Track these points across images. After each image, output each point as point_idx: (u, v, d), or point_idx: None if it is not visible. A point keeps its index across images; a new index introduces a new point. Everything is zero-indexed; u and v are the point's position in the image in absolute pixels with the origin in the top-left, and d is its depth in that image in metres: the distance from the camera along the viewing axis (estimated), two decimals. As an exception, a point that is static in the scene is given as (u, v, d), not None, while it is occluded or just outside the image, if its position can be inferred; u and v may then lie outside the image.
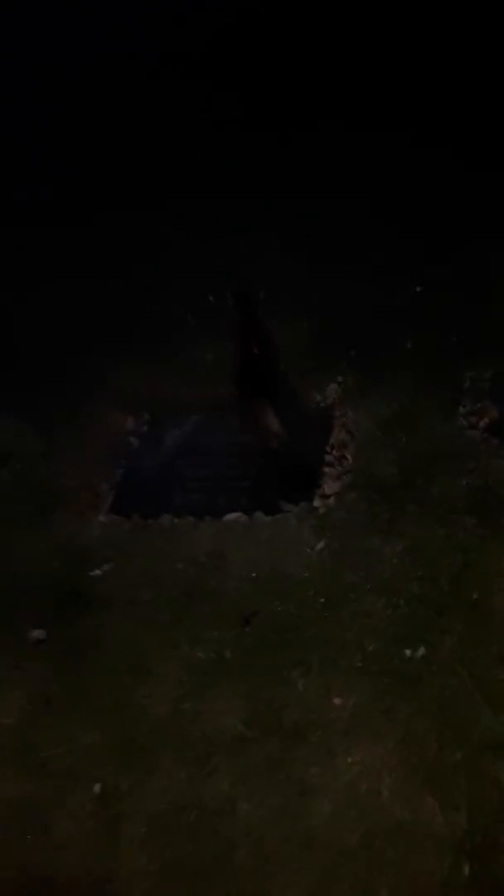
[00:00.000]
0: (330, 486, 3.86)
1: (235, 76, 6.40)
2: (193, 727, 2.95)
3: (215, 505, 3.97)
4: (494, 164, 5.17)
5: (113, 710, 3.07)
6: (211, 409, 4.49)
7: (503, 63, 5.71)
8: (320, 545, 3.51)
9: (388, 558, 3.34)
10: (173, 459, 4.32)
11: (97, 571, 3.66)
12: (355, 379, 4.31)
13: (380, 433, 3.99)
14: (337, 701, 2.91)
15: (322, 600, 3.27)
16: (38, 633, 3.40)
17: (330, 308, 4.69)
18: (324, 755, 2.76)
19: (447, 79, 5.80)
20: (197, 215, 5.61)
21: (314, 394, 4.34)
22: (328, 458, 4.06)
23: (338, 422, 4.20)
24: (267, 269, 4.68)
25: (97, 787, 2.82)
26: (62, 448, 4.34)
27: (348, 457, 4.01)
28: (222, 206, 5.56)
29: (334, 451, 4.09)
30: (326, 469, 3.99)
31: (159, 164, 6.25)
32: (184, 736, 2.93)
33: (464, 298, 4.53)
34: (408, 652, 2.98)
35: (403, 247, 4.92)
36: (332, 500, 3.78)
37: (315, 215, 5.29)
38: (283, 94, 6.16)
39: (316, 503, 3.80)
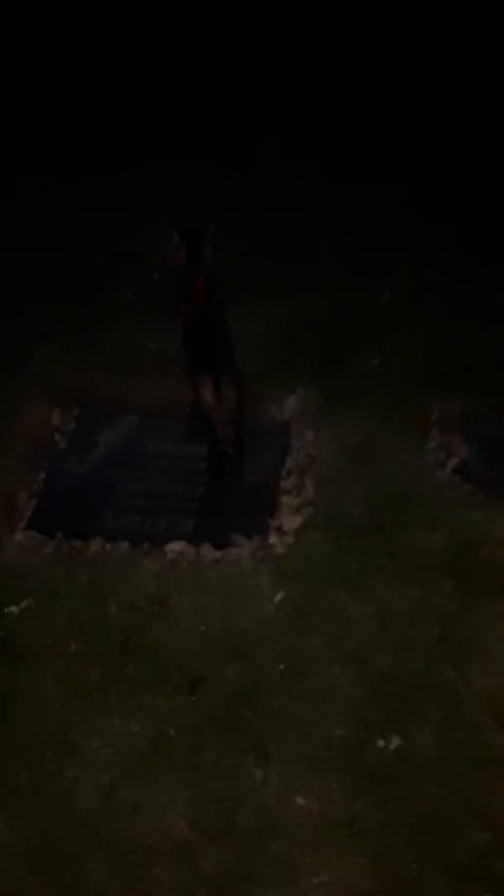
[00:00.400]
0: (288, 521, 3.37)
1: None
2: (130, 826, 2.43)
3: (154, 529, 3.42)
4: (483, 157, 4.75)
5: (29, 797, 2.52)
6: (152, 409, 3.91)
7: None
8: (279, 596, 3.02)
9: (357, 621, 2.89)
10: (106, 467, 3.72)
11: (13, 608, 3.05)
12: (317, 395, 3.79)
13: (344, 463, 3.52)
14: (300, 801, 2.46)
15: (282, 667, 2.80)
16: None
17: (292, 310, 4.13)
18: (286, 872, 2.32)
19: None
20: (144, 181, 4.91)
21: (270, 406, 3.84)
22: (284, 483, 3.59)
23: (296, 442, 3.74)
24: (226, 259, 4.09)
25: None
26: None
27: (308, 485, 3.54)
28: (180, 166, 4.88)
29: (292, 476, 3.63)
30: (283, 498, 3.53)
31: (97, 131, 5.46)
32: (118, 836, 2.41)
33: (438, 313, 4.11)
34: (380, 742, 2.57)
35: (375, 254, 4.41)
36: (290, 538, 3.30)
37: (280, 209, 4.71)
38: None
39: (272, 539, 3.31)
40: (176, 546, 3.31)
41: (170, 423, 3.80)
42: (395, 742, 2.57)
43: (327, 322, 4.06)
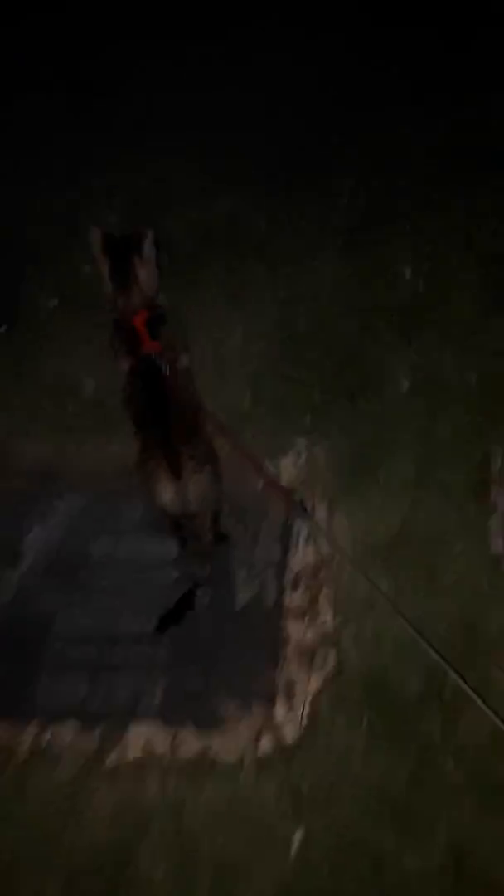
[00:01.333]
0: (301, 680, 2.18)
1: None
2: None
3: (110, 698, 2.20)
4: None
5: None
6: (96, 482, 2.62)
7: None
8: (298, 836, 1.92)
9: (420, 880, 1.81)
10: (38, 590, 2.41)
11: None
12: (326, 447, 2.48)
13: (375, 565, 2.28)
14: None
15: None
16: None
17: (278, 311, 2.71)
18: None
19: None
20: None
21: (255, 468, 2.54)
22: (290, 598, 2.36)
23: (301, 527, 2.44)
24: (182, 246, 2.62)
25: None
26: None
27: (325, 605, 2.30)
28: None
29: (300, 587, 2.41)
30: (290, 624, 2.32)
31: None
32: None
33: (490, 299, 2.67)
34: None
35: (384, 202, 2.90)
36: (305, 708, 2.16)
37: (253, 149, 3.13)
38: None
39: (279, 714, 2.14)
40: (141, 730, 2.16)
41: (122, 501, 2.53)
42: None
43: (332, 325, 2.65)
